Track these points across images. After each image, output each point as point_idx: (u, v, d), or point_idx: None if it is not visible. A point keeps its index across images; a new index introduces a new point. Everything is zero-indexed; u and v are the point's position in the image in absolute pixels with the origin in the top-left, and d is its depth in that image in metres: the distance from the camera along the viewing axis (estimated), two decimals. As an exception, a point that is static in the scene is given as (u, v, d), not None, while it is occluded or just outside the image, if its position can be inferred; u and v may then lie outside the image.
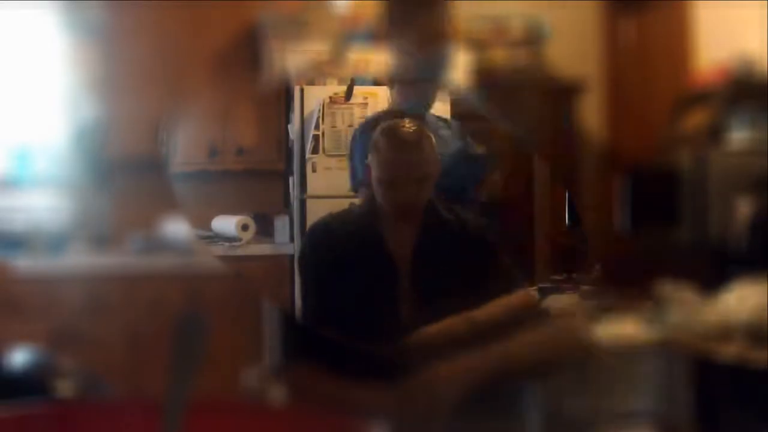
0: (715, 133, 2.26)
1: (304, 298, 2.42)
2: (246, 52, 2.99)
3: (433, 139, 2.34)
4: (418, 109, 2.53)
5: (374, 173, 2.32)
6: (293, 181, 3.42)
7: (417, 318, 2.26)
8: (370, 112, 3.08)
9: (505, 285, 2.33)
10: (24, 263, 2.54)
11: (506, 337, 2.16)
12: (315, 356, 2.17)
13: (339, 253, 2.33)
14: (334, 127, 3.31)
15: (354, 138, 2.77)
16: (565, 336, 2.23)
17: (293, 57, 3.01)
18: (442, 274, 2.29)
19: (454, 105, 2.93)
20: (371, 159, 2.34)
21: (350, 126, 3.28)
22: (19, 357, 2.15)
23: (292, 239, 3.38)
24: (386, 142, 2.31)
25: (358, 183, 2.51)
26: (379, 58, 2.88)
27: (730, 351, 2.05)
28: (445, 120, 2.67)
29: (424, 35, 2.48)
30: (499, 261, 2.36)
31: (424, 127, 2.36)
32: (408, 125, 2.32)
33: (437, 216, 2.38)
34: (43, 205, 2.64)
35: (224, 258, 3.16)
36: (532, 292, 2.46)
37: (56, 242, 2.62)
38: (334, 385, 2.08)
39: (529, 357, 2.13)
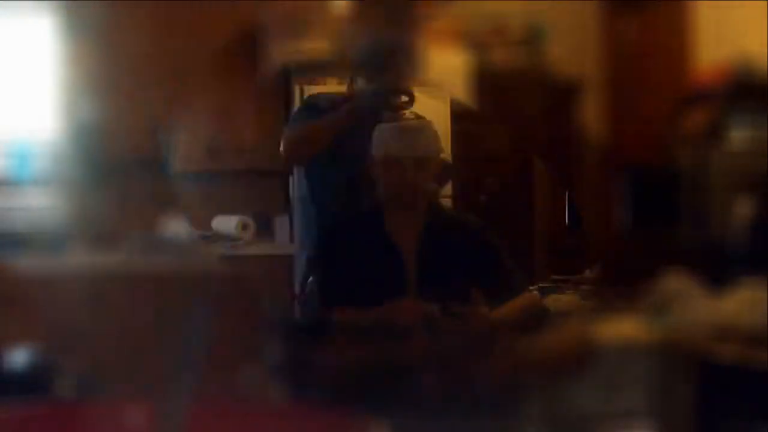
0: (715, 133, 2.26)
1: (317, 292, 2.46)
2: (246, 52, 3.00)
3: (435, 130, 2.43)
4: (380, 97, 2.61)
5: (377, 159, 2.39)
6: (293, 181, 3.42)
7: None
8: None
9: (507, 284, 2.35)
10: (24, 263, 2.54)
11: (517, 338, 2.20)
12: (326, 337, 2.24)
13: (348, 249, 2.38)
14: (334, 126, 3.32)
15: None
16: (573, 338, 2.24)
17: (293, 57, 3.02)
18: (445, 268, 2.33)
19: (453, 104, 2.93)
20: (378, 150, 2.41)
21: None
22: (19, 357, 2.15)
23: (292, 239, 3.38)
24: (390, 129, 2.43)
25: None
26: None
27: (730, 351, 2.05)
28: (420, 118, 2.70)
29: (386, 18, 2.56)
30: (501, 261, 2.39)
31: (424, 118, 2.46)
32: (409, 116, 2.49)
33: (440, 212, 2.42)
34: (43, 204, 2.64)
35: (224, 258, 3.16)
36: (536, 293, 2.48)
37: (56, 242, 2.62)
38: (354, 353, 2.14)
39: (545, 358, 2.16)
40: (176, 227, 2.69)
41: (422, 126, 2.46)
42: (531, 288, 2.51)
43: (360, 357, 2.17)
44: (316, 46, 2.96)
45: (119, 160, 2.92)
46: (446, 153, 2.68)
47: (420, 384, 2.13)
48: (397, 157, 2.37)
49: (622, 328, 2.14)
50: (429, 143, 2.41)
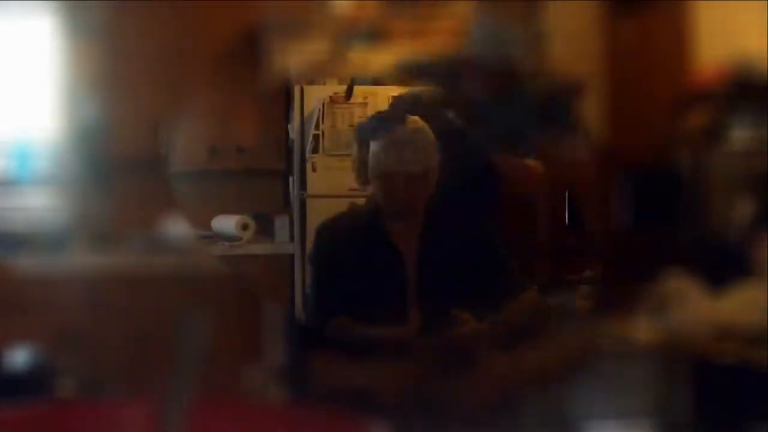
0: (715, 133, 2.26)
1: (314, 294, 2.44)
2: (246, 52, 2.99)
3: (432, 139, 2.36)
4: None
5: (371, 171, 2.35)
6: (293, 180, 3.42)
7: (423, 310, 2.29)
8: (370, 112, 3.08)
9: (508, 286, 2.35)
10: (24, 263, 2.54)
11: (524, 339, 2.19)
12: (325, 350, 2.21)
13: (347, 249, 2.36)
14: (334, 126, 3.32)
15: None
16: (579, 341, 2.24)
17: (293, 57, 3.01)
18: (446, 270, 2.31)
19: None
20: (371, 162, 2.36)
21: (350, 126, 3.28)
22: (19, 357, 2.15)
23: (292, 239, 3.38)
24: (382, 143, 2.34)
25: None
26: (379, 58, 2.88)
27: (730, 351, 2.05)
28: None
29: None
30: (502, 261, 2.38)
31: (422, 128, 2.38)
32: (404, 125, 2.37)
33: (439, 213, 2.40)
34: (43, 205, 2.64)
35: (224, 258, 3.16)
36: (538, 294, 2.47)
37: (56, 242, 2.62)
38: (352, 370, 2.11)
39: (554, 363, 2.15)
40: (176, 227, 2.69)
41: (415, 137, 2.35)
42: (531, 288, 2.51)
43: (353, 375, 2.15)
44: (316, 46, 2.96)
45: (119, 160, 2.92)
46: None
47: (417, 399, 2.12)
48: (388, 172, 2.33)
49: (622, 328, 2.14)
50: (422, 156, 2.32)
